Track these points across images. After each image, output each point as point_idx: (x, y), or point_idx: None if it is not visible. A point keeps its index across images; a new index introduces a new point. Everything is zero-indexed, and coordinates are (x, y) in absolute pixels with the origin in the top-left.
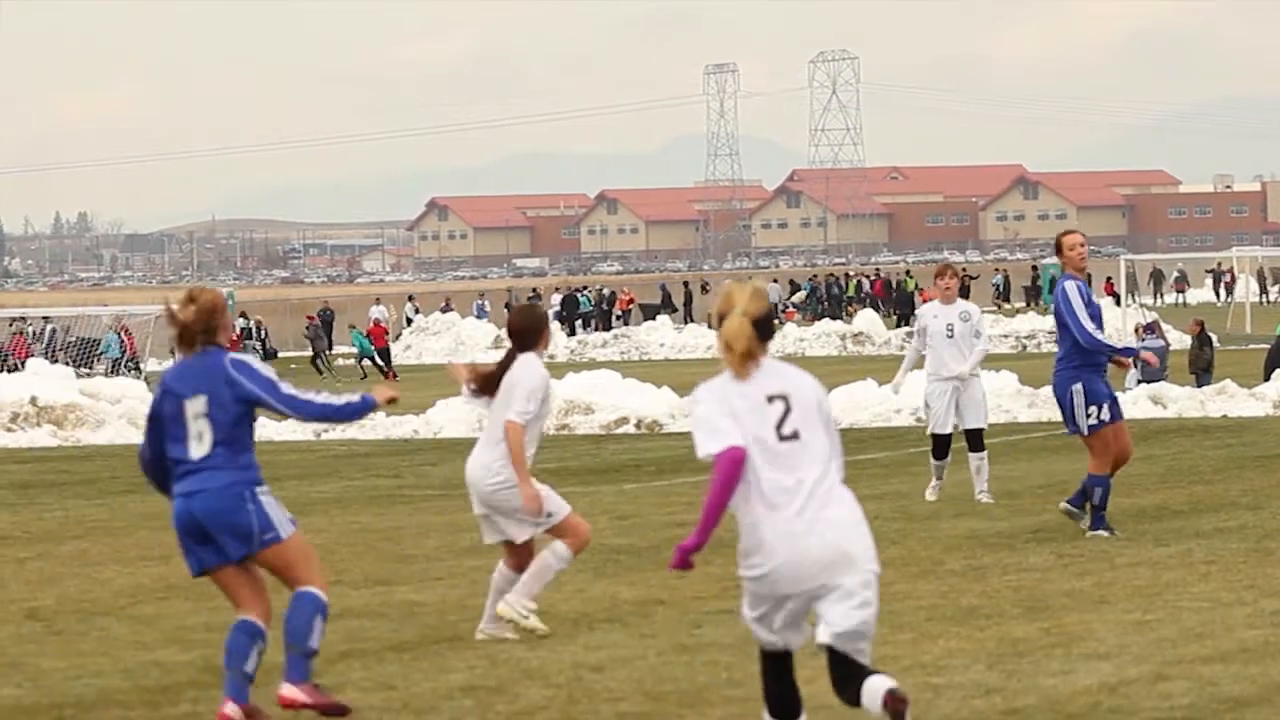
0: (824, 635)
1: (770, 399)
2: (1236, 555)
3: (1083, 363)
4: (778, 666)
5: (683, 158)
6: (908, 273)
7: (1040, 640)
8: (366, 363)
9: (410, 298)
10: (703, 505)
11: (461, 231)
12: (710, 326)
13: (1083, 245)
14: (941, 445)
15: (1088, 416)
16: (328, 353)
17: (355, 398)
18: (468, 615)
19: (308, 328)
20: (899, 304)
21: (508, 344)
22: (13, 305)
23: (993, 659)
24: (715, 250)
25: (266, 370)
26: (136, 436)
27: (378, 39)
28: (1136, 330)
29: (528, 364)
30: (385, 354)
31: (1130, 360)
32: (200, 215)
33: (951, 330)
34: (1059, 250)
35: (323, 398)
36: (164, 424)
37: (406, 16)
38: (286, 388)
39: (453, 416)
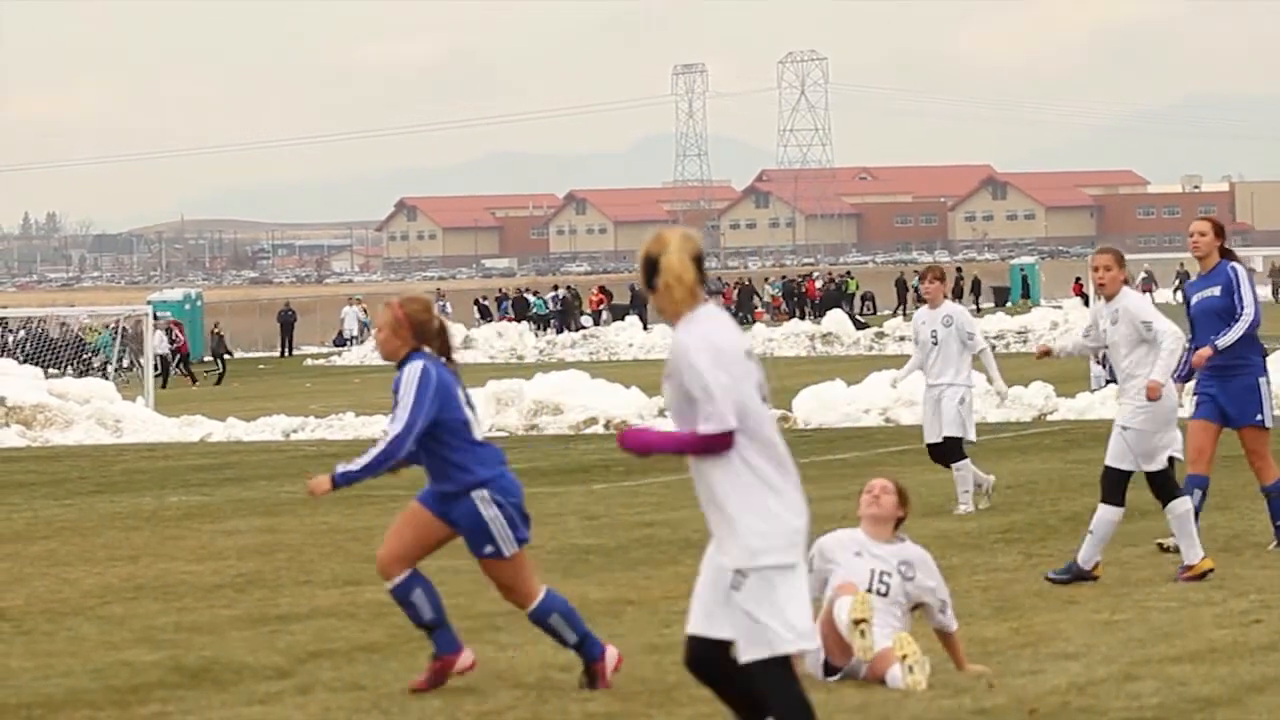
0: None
1: (749, 354)
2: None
3: None
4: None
5: (651, 158)
6: (848, 274)
7: (1009, 640)
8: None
9: (355, 299)
10: (675, 438)
11: (430, 232)
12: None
13: (1196, 235)
14: (935, 456)
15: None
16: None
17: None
18: None
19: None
20: (835, 304)
21: (473, 344)
22: None
23: None
24: None
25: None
26: (105, 437)
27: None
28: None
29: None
30: (184, 360)
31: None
32: (169, 215)
33: (935, 337)
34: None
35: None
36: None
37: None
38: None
39: None
